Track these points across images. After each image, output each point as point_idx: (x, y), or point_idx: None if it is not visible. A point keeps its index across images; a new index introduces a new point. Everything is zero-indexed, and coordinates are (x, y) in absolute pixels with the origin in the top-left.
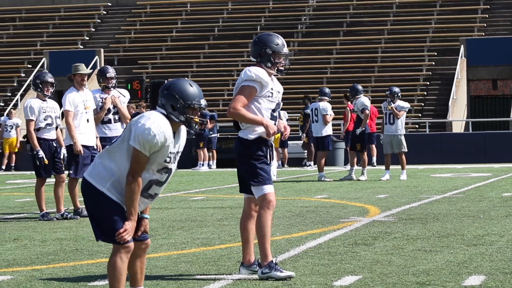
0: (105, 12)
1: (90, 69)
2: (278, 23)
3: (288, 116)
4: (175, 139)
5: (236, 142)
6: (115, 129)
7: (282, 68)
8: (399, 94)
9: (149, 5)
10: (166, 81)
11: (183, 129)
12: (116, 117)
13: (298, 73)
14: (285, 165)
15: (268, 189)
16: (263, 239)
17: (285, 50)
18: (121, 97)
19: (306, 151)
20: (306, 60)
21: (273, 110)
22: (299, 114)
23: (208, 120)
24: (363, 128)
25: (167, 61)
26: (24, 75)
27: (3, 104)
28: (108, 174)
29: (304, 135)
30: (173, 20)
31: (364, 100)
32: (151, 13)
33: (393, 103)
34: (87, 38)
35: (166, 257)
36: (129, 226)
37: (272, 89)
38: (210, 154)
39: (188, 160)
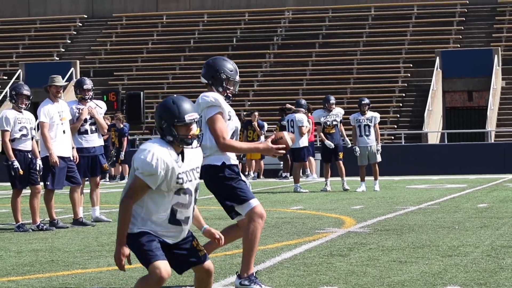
0: (81, 24)
1: (66, 81)
2: (254, 35)
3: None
4: (184, 158)
5: (203, 172)
6: (92, 140)
7: (231, 95)
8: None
9: (125, 17)
10: (142, 93)
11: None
12: (93, 127)
13: (274, 85)
14: (261, 176)
15: (254, 202)
16: (251, 252)
17: (237, 77)
18: (97, 108)
19: (282, 162)
20: (282, 72)
21: (236, 136)
22: (276, 126)
23: None
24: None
25: (143, 72)
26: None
27: None
28: (135, 216)
29: None
30: (149, 32)
31: (340, 112)
32: (127, 25)
33: (364, 114)
34: (63, 50)
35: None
36: (118, 253)
37: (229, 112)
38: None
39: None
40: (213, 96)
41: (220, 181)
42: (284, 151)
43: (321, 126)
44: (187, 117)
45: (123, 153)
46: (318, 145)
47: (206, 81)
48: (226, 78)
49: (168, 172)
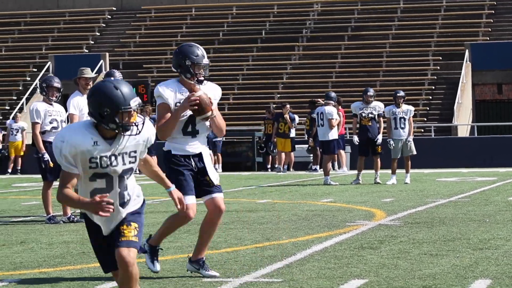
0: (110, 16)
1: (95, 73)
2: (283, 28)
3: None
4: (114, 142)
5: None
6: None
7: (202, 79)
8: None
9: (154, 9)
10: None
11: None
12: None
13: (303, 77)
14: (291, 169)
15: (187, 200)
16: (163, 236)
17: (205, 61)
18: None
19: (312, 155)
20: (311, 64)
21: (192, 123)
22: (305, 118)
23: None
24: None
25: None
26: (29, 79)
27: (8, 108)
28: None
29: (311, 139)
30: (178, 24)
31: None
32: (156, 17)
33: (399, 107)
34: (92, 42)
35: (173, 260)
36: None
37: (178, 103)
38: (215, 157)
39: None
40: (160, 88)
41: (167, 169)
42: (196, 103)
43: (357, 117)
44: (133, 103)
45: None
46: (348, 137)
47: (176, 71)
48: (192, 64)
49: (77, 156)
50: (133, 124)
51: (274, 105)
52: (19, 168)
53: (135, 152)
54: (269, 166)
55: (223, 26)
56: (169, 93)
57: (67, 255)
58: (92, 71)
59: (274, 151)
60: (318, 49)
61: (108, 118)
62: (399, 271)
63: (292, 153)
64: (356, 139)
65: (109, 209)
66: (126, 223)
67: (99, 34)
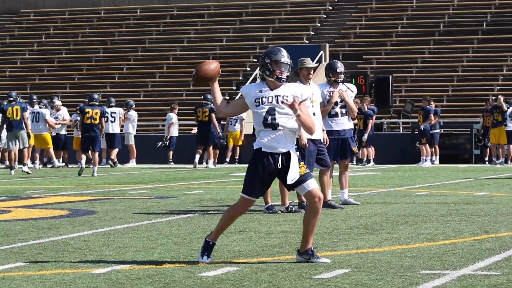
0: (330, 8)
1: (316, 63)
2: (504, 19)
3: None
4: None
5: None
6: (342, 123)
7: (281, 76)
8: None
9: (374, 0)
10: (390, 77)
11: None
12: (343, 110)
13: None
14: (509, 162)
15: (247, 196)
16: (223, 225)
17: (284, 59)
18: (348, 91)
19: None
20: None
21: (271, 115)
22: None
23: (432, 115)
24: None
25: (392, 56)
26: (249, 69)
27: (228, 98)
28: None
29: None
30: (398, 15)
31: None
32: (377, 9)
33: None
34: (313, 33)
35: (391, 252)
36: None
37: (257, 99)
38: (433, 149)
39: (410, 155)
40: (246, 85)
41: (249, 163)
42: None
43: None
44: None
45: (366, 135)
46: None
47: (260, 72)
48: (271, 61)
49: None
50: None
51: (493, 97)
52: (237, 157)
53: None
54: (486, 158)
55: (443, 18)
56: (249, 90)
57: (285, 244)
58: (312, 61)
59: (489, 144)
60: None
61: None
62: None
63: (511, 146)
64: None
65: None
66: None
67: (319, 25)
